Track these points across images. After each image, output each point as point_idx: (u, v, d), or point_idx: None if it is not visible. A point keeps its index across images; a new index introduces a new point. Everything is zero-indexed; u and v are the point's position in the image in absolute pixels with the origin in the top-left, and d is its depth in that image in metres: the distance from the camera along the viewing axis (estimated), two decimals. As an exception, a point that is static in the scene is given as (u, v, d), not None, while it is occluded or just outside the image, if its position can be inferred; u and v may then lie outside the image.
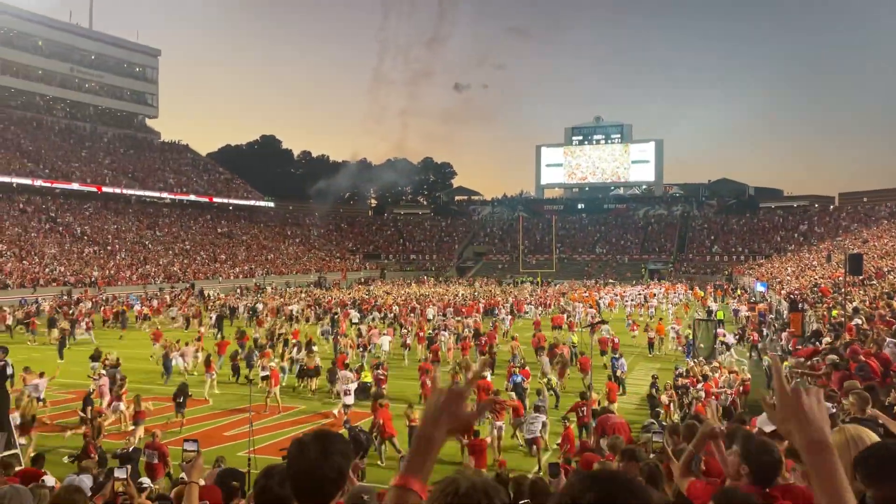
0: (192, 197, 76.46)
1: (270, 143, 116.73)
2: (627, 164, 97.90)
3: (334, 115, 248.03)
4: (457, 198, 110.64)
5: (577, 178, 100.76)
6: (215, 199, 79.67)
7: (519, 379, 19.01)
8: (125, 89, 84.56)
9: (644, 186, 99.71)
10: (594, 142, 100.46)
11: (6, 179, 58.80)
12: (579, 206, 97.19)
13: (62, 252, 54.12)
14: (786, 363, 22.54)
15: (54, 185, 62.68)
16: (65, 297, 43.75)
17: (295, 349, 24.31)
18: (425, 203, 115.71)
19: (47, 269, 49.72)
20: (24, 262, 49.58)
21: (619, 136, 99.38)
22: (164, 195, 74.14)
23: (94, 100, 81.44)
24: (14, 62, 72.15)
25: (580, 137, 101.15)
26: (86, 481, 8.12)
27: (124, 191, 69.72)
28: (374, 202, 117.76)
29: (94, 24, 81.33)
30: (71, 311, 37.26)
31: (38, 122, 73.68)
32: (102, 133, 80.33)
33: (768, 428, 4.77)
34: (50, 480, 7.10)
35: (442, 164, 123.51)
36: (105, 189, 67.28)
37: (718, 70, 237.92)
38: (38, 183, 61.33)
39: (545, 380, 19.91)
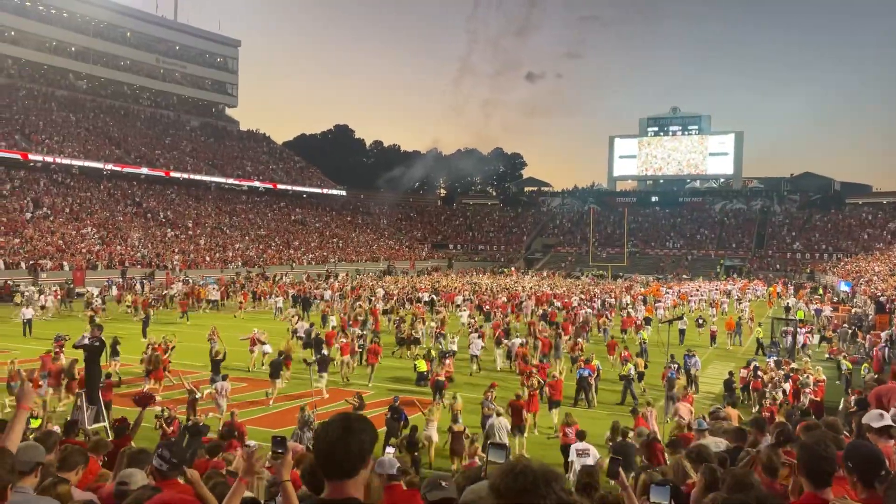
0: (269, 185, 78.55)
1: (344, 133, 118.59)
2: (705, 157, 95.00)
3: (407, 105, 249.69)
4: (526, 189, 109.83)
5: (652, 170, 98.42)
6: (288, 187, 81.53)
7: (586, 373, 18.83)
8: (207, 79, 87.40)
9: (722, 180, 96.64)
10: (670, 133, 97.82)
11: (97, 165, 61.76)
12: (653, 199, 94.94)
13: (146, 235, 56.51)
14: (865, 365, 21.51)
15: (139, 171, 65.49)
16: (147, 280, 45.66)
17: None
18: (495, 193, 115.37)
19: (132, 252, 52.04)
20: (111, 244, 52.02)
21: (696, 127, 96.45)
22: (242, 182, 76.44)
23: (177, 89, 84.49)
24: (104, 53, 75.53)
25: (655, 128, 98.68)
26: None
27: (204, 177, 72.25)
28: (443, 192, 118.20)
29: (178, 16, 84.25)
30: (152, 294, 38.99)
31: (125, 110, 77.03)
32: (185, 121, 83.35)
33: (877, 424, 4.52)
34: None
35: (512, 155, 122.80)
36: (187, 175, 69.90)
37: (803, 58, 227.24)
38: (125, 169, 64.23)
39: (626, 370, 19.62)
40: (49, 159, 58.46)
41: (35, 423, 11.15)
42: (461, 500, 2.71)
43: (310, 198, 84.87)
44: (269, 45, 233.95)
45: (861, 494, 3.30)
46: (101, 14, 73.48)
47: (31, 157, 57.39)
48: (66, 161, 59.70)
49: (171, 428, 13.32)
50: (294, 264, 61.72)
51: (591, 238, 73.32)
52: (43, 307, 33.38)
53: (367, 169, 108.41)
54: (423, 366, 20.91)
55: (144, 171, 65.88)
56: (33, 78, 69.94)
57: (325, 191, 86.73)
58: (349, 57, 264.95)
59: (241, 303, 37.72)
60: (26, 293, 35.09)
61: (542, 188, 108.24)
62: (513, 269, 73.48)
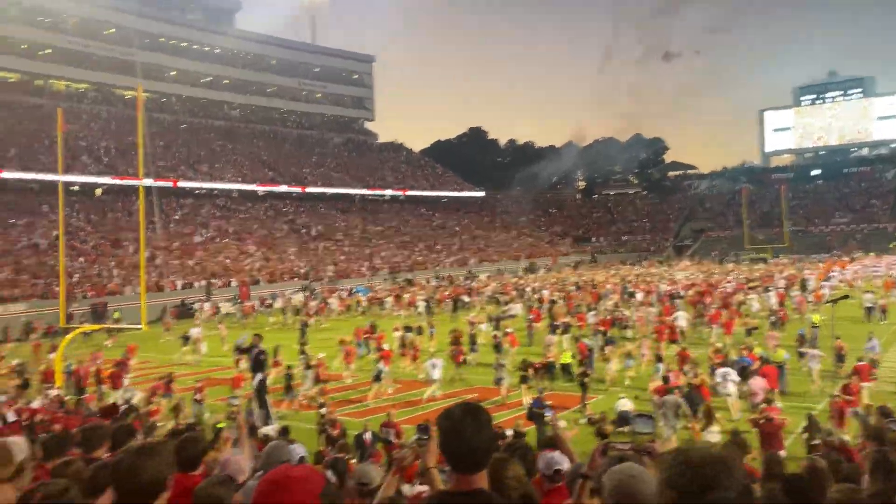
0: (409, 192, 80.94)
1: (478, 135, 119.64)
2: (871, 122, 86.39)
3: (538, 101, 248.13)
4: (670, 173, 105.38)
5: (810, 141, 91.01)
6: (427, 193, 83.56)
7: (747, 362, 17.60)
8: (345, 96, 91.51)
9: (894, 145, 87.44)
10: (829, 100, 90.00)
11: (252, 187, 66.58)
12: (813, 173, 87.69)
13: (300, 250, 60.00)
14: None
15: (291, 190, 69.79)
16: (307, 293, 48.42)
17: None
18: (636, 181, 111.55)
19: (289, 266, 55.47)
20: (270, 260, 55.73)
21: (859, 90, 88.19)
22: (384, 192, 79.24)
23: (319, 109, 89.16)
24: (253, 82, 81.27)
25: (811, 96, 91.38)
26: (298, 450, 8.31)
27: (349, 191, 75.70)
28: (582, 184, 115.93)
29: (316, 39, 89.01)
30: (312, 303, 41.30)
31: (274, 134, 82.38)
32: (328, 139, 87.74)
33: None
34: (300, 450, 7.67)
35: (652, 140, 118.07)
36: (333, 190, 73.61)
37: None
38: (278, 189, 68.70)
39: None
40: (212, 186, 63.80)
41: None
42: (607, 482, 2.55)
43: (449, 202, 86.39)
44: (400, 57, 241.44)
45: None
46: (249, 46, 79.09)
47: (197, 184, 62.84)
48: (227, 186, 64.86)
49: (336, 431, 13.94)
50: (438, 267, 63.01)
51: (745, 220, 68.72)
52: (221, 320, 35.82)
53: (503, 168, 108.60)
54: (567, 358, 20.53)
55: (296, 189, 70.10)
56: (193, 112, 76.52)
57: (462, 194, 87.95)
58: (478, 59, 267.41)
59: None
60: (201, 310, 38.32)
61: (688, 171, 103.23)
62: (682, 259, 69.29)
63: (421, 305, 37.19)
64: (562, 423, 4.63)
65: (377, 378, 19.18)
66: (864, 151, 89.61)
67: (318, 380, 19.10)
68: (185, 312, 41.41)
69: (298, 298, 43.57)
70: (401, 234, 71.49)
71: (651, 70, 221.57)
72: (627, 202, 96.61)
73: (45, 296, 38.78)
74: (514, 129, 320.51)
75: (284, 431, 11.53)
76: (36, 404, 15.70)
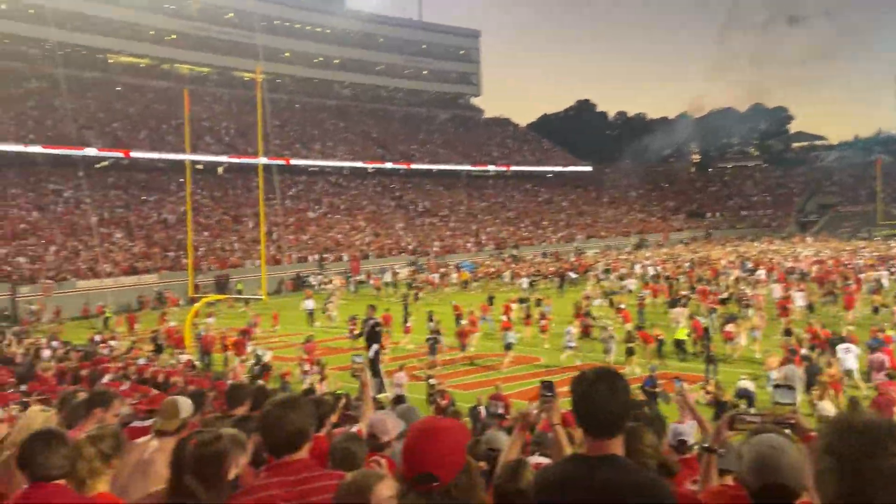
0: (515, 167, 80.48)
1: (585, 108, 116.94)
2: None
3: (650, 72, 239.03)
4: (794, 145, 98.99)
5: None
6: (534, 168, 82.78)
7: (878, 343, 16.37)
8: (451, 72, 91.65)
9: None
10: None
11: (362, 165, 68.30)
12: (959, 141, 79.85)
13: (407, 226, 61.09)
14: None
15: (398, 167, 71.03)
16: (413, 266, 49.38)
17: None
18: (756, 153, 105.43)
19: (396, 241, 56.66)
20: (379, 235, 57.11)
21: None
22: (489, 168, 79.11)
23: (426, 86, 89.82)
24: (363, 61, 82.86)
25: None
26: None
27: (455, 167, 76.11)
28: (696, 157, 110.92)
29: (422, 14, 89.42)
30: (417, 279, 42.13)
31: (383, 112, 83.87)
32: (435, 116, 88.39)
33: None
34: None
35: (775, 109, 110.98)
36: (440, 167, 74.28)
37: None
38: (387, 166, 70.08)
39: None
40: (324, 164, 65.99)
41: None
42: (746, 454, 2.42)
43: (555, 177, 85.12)
44: (507, 31, 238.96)
45: None
46: (357, 25, 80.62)
47: (310, 162, 65.15)
48: (338, 164, 66.89)
49: (444, 401, 14.16)
50: (544, 244, 62.42)
51: (879, 193, 63.53)
52: (331, 295, 37.29)
53: (612, 142, 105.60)
54: (682, 333, 20.08)
55: (404, 166, 71.28)
56: (306, 92, 79.06)
57: (569, 168, 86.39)
58: (587, 30, 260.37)
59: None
60: (315, 282, 40.00)
61: (815, 142, 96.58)
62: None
63: (524, 282, 37.02)
64: (692, 396, 4.45)
65: (508, 347, 20.12)
66: None
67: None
68: (300, 285, 43.31)
69: (405, 273, 44.59)
70: (506, 210, 71.27)
71: (774, 35, 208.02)
72: (746, 175, 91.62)
73: (174, 268, 41.56)
74: (624, 100, 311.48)
75: (399, 400, 11.79)
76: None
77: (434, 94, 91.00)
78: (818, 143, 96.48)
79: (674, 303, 25.73)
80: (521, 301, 27.45)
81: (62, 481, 2.98)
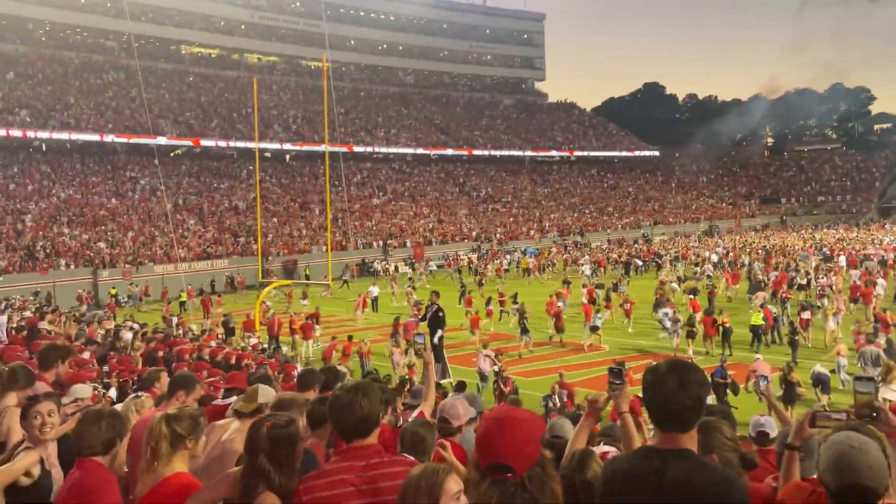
0: (580, 153, 79.31)
1: (653, 90, 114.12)
2: None
3: (721, 53, 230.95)
4: (876, 126, 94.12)
5: None
6: (599, 153, 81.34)
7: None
8: (515, 57, 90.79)
9: None
10: None
11: (425, 151, 68.54)
12: None
13: (470, 212, 61.08)
14: None
15: (468, 154, 70.99)
16: (477, 253, 49.44)
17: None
18: (835, 136, 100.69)
19: (459, 227, 56.73)
20: (442, 221, 57.30)
21: None
22: (554, 153, 78.19)
23: (489, 71, 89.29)
24: (426, 47, 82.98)
25: None
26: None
27: (518, 153, 75.52)
28: (770, 141, 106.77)
29: None
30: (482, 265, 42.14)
31: (446, 98, 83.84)
32: (498, 101, 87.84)
33: None
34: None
35: (856, 90, 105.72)
36: (503, 153, 73.88)
37: None
38: (450, 152, 70.11)
39: None
40: (389, 150, 66.57)
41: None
42: (824, 453, 2.33)
43: (621, 162, 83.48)
44: (572, 13, 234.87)
45: None
46: (421, 11, 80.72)
47: (376, 149, 65.80)
48: (402, 150, 67.33)
49: (507, 388, 14.15)
50: (609, 230, 61.42)
51: (972, 177, 59.82)
52: (394, 278, 37.63)
53: (682, 125, 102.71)
54: (757, 319, 19.59)
55: (467, 152, 71.22)
56: (371, 79, 79.78)
57: (636, 153, 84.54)
58: (655, 10, 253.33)
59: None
60: (381, 268, 40.48)
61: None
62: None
63: (586, 268, 36.50)
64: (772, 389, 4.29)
65: (594, 330, 20.70)
66: None
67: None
68: (365, 270, 43.94)
69: (469, 259, 44.73)
70: (570, 196, 70.39)
71: (854, 11, 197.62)
72: (824, 159, 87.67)
73: (244, 253, 42.81)
74: (694, 83, 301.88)
75: (461, 386, 11.84)
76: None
77: (497, 80, 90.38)
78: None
79: (755, 288, 25.89)
80: (599, 286, 28.34)
81: (99, 458, 3.18)
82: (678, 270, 36.26)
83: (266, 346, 20.42)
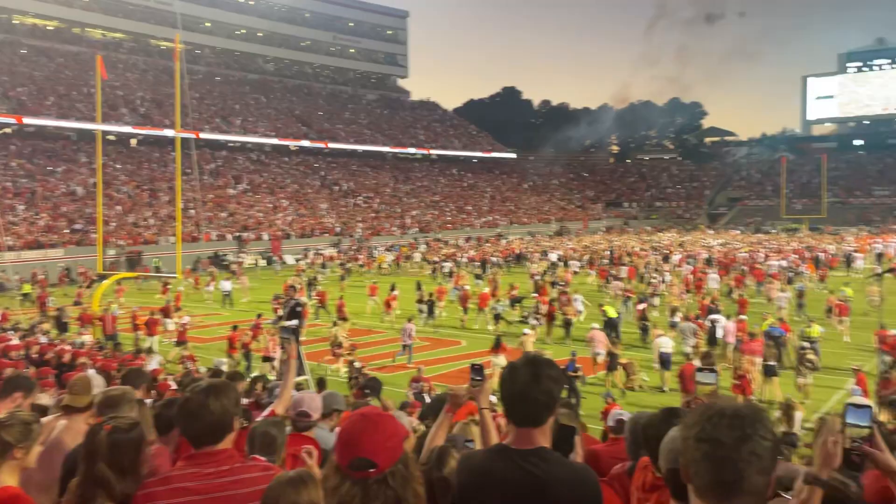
0: (441, 151, 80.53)
1: (511, 95, 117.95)
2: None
3: (574, 62, 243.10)
4: (707, 139, 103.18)
5: (854, 110, 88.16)
6: (459, 153, 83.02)
7: (778, 332, 17.37)
8: (379, 52, 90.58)
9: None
10: (875, 67, 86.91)
11: (284, 142, 66.72)
12: (856, 143, 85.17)
13: (331, 206, 60.24)
14: None
15: (324, 146, 69.78)
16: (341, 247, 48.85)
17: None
18: (672, 147, 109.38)
19: (319, 221, 55.78)
20: (302, 215, 56.07)
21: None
22: (416, 151, 78.86)
23: (352, 64, 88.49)
24: (288, 35, 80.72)
25: (858, 64, 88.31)
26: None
27: (381, 148, 75.45)
28: (615, 148, 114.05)
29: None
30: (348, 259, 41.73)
31: (308, 89, 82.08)
32: (361, 95, 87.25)
33: None
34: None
35: (691, 105, 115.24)
36: (365, 147, 73.50)
37: None
38: (311, 144, 68.70)
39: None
40: (246, 139, 64.12)
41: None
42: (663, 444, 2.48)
43: (480, 162, 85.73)
44: (435, 14, 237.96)
45: None
46: (283, -1, 78.43)
47: (231, 137, 63.12)
48: (260, 140, 65.09)
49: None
50: (467, 228, 62.88)
51: (783, 189, 67.17)
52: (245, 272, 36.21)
53: (536, 130, 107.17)
54: (611, 312, 20.79)
55: (328, 145, 70.11)
56: (228, 65, 76.45)
57: (495, 155, 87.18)
58: (515, 18, 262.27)
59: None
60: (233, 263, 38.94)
61: (726, 138, 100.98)
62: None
63: (446, 266, 37.20)
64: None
65: (497, 319, 22.13)
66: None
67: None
68: (217, 264, 42.07)
69: (330, 253, 44.15)
70: (431, 194, 71.32)
71: (694, 32, 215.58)
72: (662, 168, 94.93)
73: (82, 242, 39.55)
74: (549, 89, 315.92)
75: (322, 383, 11.67)
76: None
77: (361, 74, 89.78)
78: (729, 138, 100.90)
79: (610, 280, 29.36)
80: (478, 277, 31.26)
81: None
82: (544, 264, 38.43)
83: (105, 342, 19.01)
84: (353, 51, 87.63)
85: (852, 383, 13.39)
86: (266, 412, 4.22)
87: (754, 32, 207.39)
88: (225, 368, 13.82)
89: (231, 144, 63.79)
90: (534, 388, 2.26)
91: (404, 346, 18.47)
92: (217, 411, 2.54)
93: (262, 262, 42.25)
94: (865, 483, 2.97)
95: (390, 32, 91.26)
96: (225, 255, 43.63)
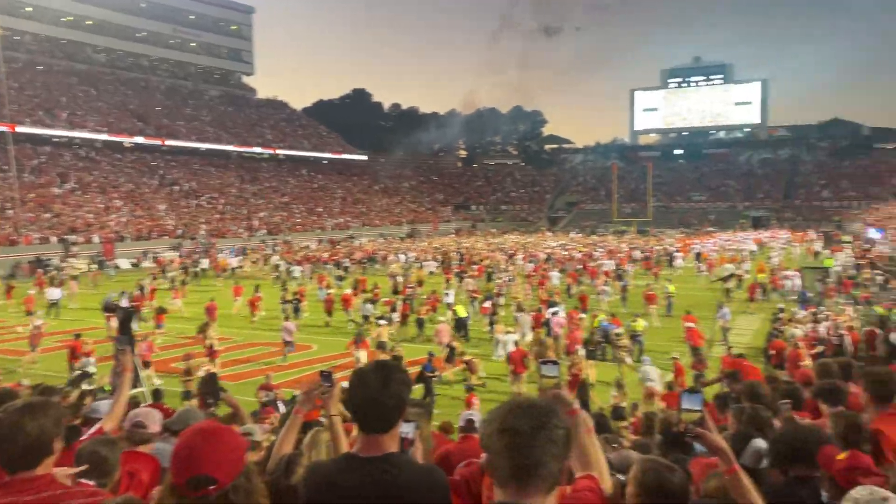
0: (290, 152, 78.78)
1: (362, 97, 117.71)
2: (729, 107, 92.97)
3: (424, 68, 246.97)
4: (547, 146, 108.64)
5: (675, 122, 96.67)
6: (309, 154, 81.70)
7: (612, 328, 18.88)
8: (222, 47, 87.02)
9: (748, 130, 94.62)
10: (693, 84, 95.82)
11: (117, 138, 62.28)
12: (676, 152, 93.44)
13: (171, 207, 57.07)
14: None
15: (162, 144, 65.86)
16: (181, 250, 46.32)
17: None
18: (515, 153, 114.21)
19: (158, 223, 52.65)
20: (138, 216, 52.64)
21: (720, 76, 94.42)
22: (263, 150, 76.57)
23: (194, 59, 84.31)
24: (121, 25, 75.32)
25: (678, 80, 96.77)
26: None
27: (225, 147, 72.47)
28: (463, 153, 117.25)
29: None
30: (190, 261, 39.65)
31: (144, 82, 77.18)
32: (203, 91, 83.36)
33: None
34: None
35: (532, 113, 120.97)
36: (208, 146, 70.28)
37: (827, 3, 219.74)
38: (147, 141, 64.59)
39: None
40: (73, 134, 59.15)
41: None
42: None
43: (331, 164, 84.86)
44: (283, 12, 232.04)
45: None
46: (116, -15, 73.16)
47: (55, 132, 57.95)
48: (90, 135, 60.31)
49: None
50: (318, 230, 62.04)
51: (615, 194, 72.42)
52: (74, 278, 33.39)
53: (387, 133, 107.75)
54: (462, 311, 21.71)
55: (167, 142, 66.28)
56: (52, 54, 70.15)
57: (345, 156, 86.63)
58: (365, 19, 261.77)
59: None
60: (58, 271, 35.75)
61: (564, 145, 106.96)
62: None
63: (296, 270, 36.51)
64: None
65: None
66: (722, 134, 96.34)
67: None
68: (40, 268, 38.52)
69: (170, 257, 41.79)
70: (280, 195, 69.57)
71: (535, 44, 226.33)
72: (506, 172, 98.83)
73: None
74: (399, 93, 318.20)
75: (157, 394, 11.17)
76: None
77: (203, 69, 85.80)
78: (567, 146, 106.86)
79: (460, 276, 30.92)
80: (339, 279, 31.27)
81: None
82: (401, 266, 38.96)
83: None
84: (194, 44, 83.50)
85: (671, 373, 14.78)
86: (93, 430, 3.95)
87: (589, 47, 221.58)
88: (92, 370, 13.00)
89: (56, 140, 58.61)
90: (384, 393, 2.25)
91: (286, 343, 19.05)
92: (34, 432, 2.35)
93: (94, 267, 39.15)
94: (694, 471, 3.33)
95: (234, 27, 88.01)
96: (48, 259, 39.99)
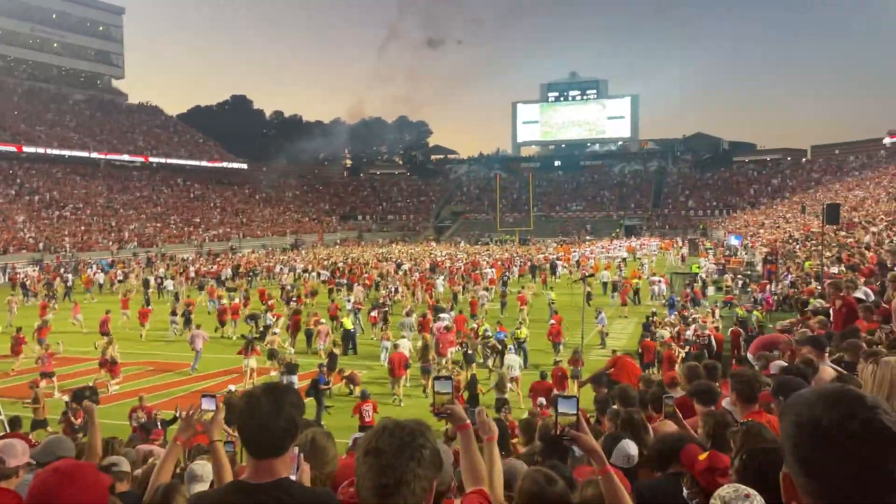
0: (163, 159, 75.13)
1: (241, 104, 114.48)
2: (603, 121, 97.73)
3: (306, 74, 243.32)
4: (433, 157, 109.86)
5: (553, 135, 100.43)
6: (185, 162, 78.23)
7: (502, 336, 19.32)
8: (89, 49, 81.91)
9: (620, 143, 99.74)
10: (570, 98, 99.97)
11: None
12: (555, 164, 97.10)
13: (31, 218, 52.92)
14: (755, 312, 22.98)
15: (19, 150, 61.00)
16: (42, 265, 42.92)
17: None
18: (401, 163, 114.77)
19: (18, 236, 48.64)
20: (-7, 228, 48.44)
21: (594, 91, 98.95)
22: (135, 158, 72.59)
23: (56, 60, 78.87)
24: (-30, 21, 69.35)
25: (556, 94, 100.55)
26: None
27: (92, 154, 68.04)
28: (348, 162, 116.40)
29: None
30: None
31: (0, 84, 71.33)
32: (67, 95, 78.04)
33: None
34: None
35: (417, 123, 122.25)
36: (72, 153, 65.74)
37: (691, 26, 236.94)
38: (2, 147, 59.63)
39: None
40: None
41: None
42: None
43: (209, 172, 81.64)
44: (156, 13, 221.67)
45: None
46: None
47: None
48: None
49: (80, 420, 12.67)
50: (196, 241, 59.48)
51: (499, 204, 74.26)
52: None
53: (269, 141, 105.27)
54: (348, 324, 21.64)
55: (24, 149, 61.43)
56: None
57: (224, 164, 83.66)
58: (242, 26, 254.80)
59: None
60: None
61: (449, 156, 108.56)
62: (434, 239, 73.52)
63: (169, 284, 34.79)
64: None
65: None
66: (597, 147, 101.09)
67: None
68: None
69: (29, 272, 38.62)
70: (153, 205, 66.09)
71: (420, 55, 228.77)
72: (392, 182, 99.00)
73: None
74: (281, 100, 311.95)
75: (15, 423, 10.24)
76: None
77: (67, 71, 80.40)
78: (452, 156, 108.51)
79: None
80: (230, 290, 30.91)
81: None
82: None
83: None
84: (56, 45, 78.06)
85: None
86: None
87: (471, 59, 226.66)
88: None
89: None
90: (276, 417, 2.14)
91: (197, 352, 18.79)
92: None
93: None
94: (579, 479, 3.41)
95: (102, 28, 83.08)
96: None
